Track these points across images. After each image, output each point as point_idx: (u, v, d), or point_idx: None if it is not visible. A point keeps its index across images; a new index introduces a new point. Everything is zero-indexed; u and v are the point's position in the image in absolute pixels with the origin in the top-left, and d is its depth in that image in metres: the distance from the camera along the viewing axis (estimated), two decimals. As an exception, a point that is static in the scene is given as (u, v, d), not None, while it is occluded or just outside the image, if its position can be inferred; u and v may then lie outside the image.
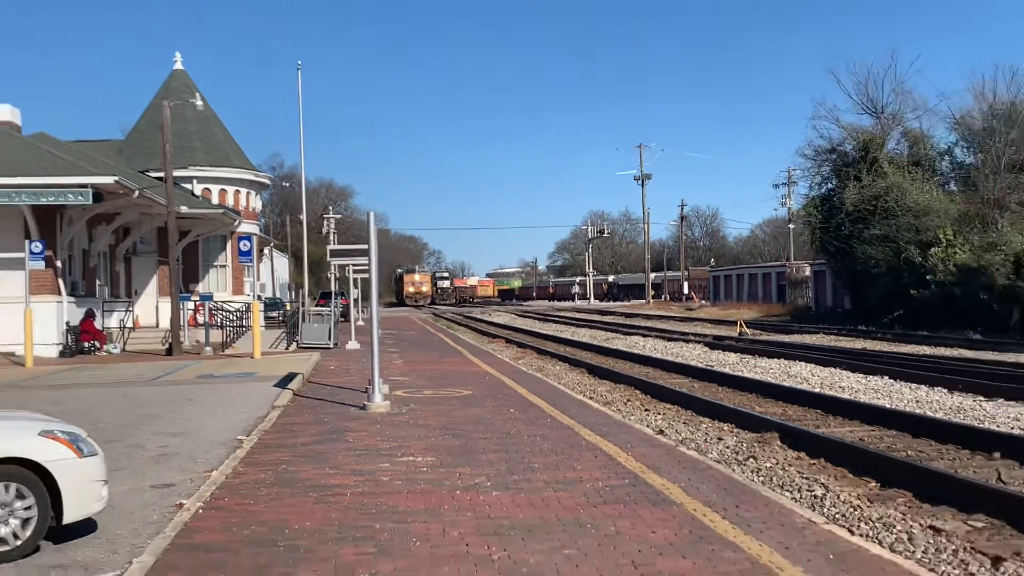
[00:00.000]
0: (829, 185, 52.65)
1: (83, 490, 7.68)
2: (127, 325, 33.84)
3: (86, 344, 29.79)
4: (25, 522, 7.30)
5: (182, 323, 31.94)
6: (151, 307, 39.21)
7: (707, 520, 7.94)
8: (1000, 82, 48.55)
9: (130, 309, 35.46)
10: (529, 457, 10.99)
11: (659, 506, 8.48)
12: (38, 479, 7.38)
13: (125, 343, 32.26)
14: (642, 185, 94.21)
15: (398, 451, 11.56)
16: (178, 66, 45.08)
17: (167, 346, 30.32)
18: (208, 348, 30.68)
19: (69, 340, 28.98)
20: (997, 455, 11.24)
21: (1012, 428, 13.42)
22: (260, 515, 8.30)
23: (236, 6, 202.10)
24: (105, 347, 30.37)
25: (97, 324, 30.95)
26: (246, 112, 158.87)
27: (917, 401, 17.07)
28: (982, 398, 17.06)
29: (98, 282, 33.86)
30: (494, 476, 9.90)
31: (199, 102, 34.23)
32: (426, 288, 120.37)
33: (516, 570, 6.60)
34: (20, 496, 7.31)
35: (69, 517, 7.58)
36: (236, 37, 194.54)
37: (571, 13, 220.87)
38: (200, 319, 35.57)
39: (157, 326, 37.55)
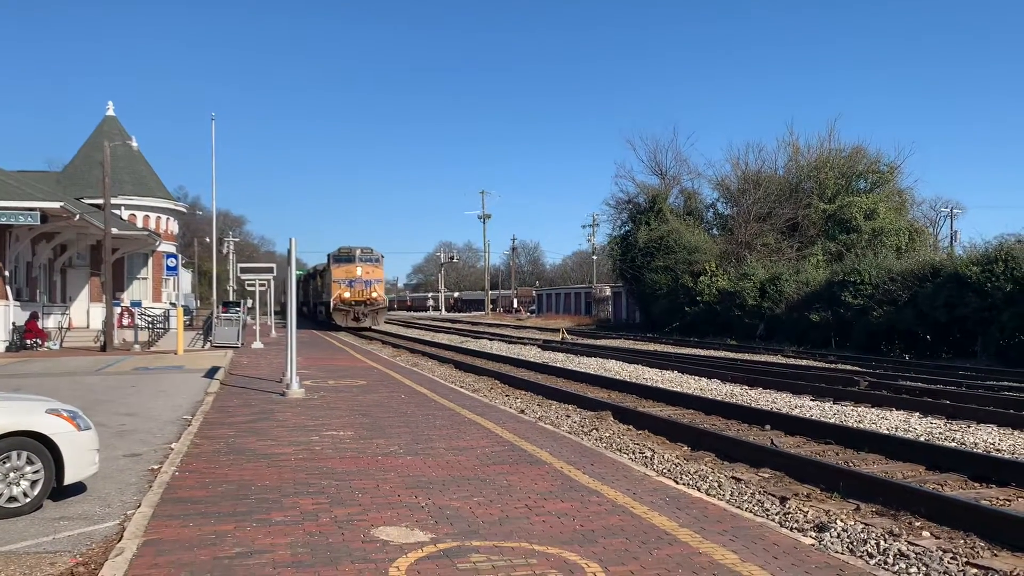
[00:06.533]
0: (627, 227, 53.39)
1: (80, 457, 7.43)
2: (64, 326, 31.79)
3: (28, 341, 27.79)
4: (34, 483, 7.07)
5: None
6: (83, 311, 36.86)
7: (573, 475, 8.31)
8: (751, 155, 51.53)
9: (66, 312, 33.33)
10: (427, 431, 11.12)
11: (535, 465, 8.81)
12: (45, 448, 7.14)
13: (62, 341, 30.27)
14: (483, 223, 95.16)
15: (322, 427, 11.47)
16: (110, 112, 42.77)
17: (101, 343, 28.62)
18: (137, 346, 29.15)
19: (15, 338, 26.97)
20: (768, 427, 12.09)
21: (772, 408, 14.35)
22: (227, 476, 8.17)
23: (155, 58, 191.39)
24: (46, 344, 28.40)
25: (39, 324, 28.93)
26: (158, 149, 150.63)
27: (701, 389, 17.84)
28: (746, 387, 18.12)
29: (39, 290, 31.65)
30: (404, 445, 10.00)
31: (134, 144, 32.57)
32: (378, 293, 48.95)
33: (441, 512, 6.80)
34: (30, 462, 7.06)
35: (69, 479, 7.34)
36: (152, 88, 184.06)
37: (441, 87, 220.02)
38: (126, 321, 33.76)
39: (88, 327, 35.30)
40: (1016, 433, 11.61)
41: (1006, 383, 17.98)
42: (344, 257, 48.88)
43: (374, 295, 48.02)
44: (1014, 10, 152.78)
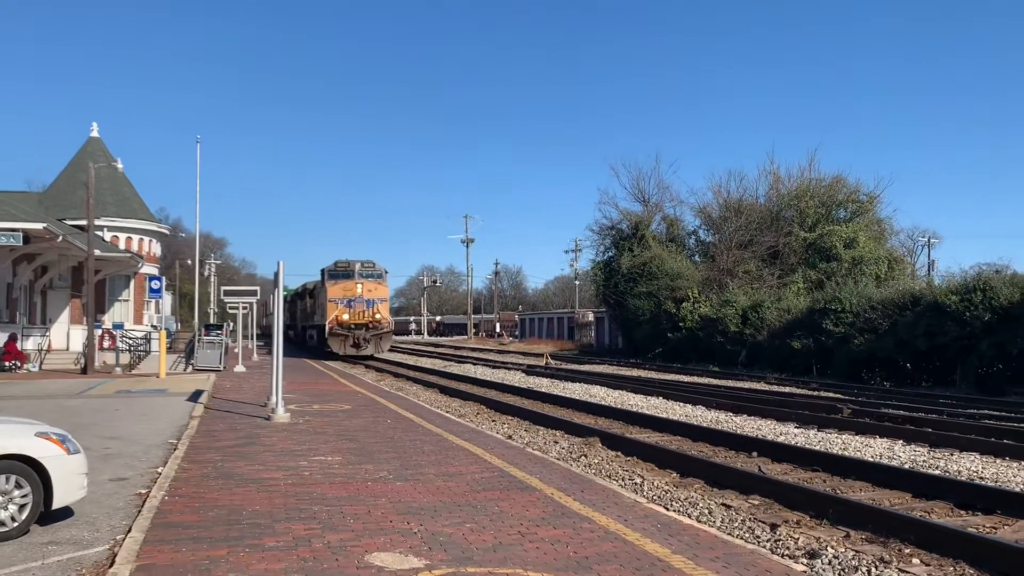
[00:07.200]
0: (610, 253, 53.60)
1: (69, 481, 7.36)
2: (43, 348, 31.41)
3: (7, 363, 27.42)
4: (21, 507, 6.99)
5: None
6: (63, 333, 36.41)
7: (563, 501, 8.32)
8: (732, 184, 51.97)
9: (46, 334, 32.95)
10: (416, 456, 11.09)
11: (525, 492, 8.80)
12: (33, 472, 7.06)
13: (42, 363, 29.89)
14: (467, 247, 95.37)
15: (309, 452, 11.40)
16: (94, 134, 42.56)
17: (82, 366, 28.29)
18: (118, 368, 28.81)
19: (-7, 359, 26.67)
20: (755, 454, 12.15)
21: (758, 435, 14.38)
22: (217, 501, 8.11)
23: (138, 78, 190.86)
24: (25, 366, 28.02)
25: (18, 346, 28.57)
26: (137, 169, 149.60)
27: (687, 415, 17.85)
28: (731, 413, 18.19)
29: (19, 311, 31.29)
30: (393, 471, 9.97)
31: (119, 165, 32.44)
32: (383, 315, 41.20)
33: (435, 539, 6.78)
34: (18, 486, 6.98)
35: (58, 503, 7.25)
36: (131, 108, 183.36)
37: (426, 112, 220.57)
38: (107, 344, 33.47)
39: (68, 349, 34.88)
40: (998, 461, 11.75)
41: (986, 411, 18.19)
42: (341, 272, 41.44)
43: (378, 316, 40.47)
44: (989, 41, 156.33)
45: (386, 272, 42.91)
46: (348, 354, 39.96)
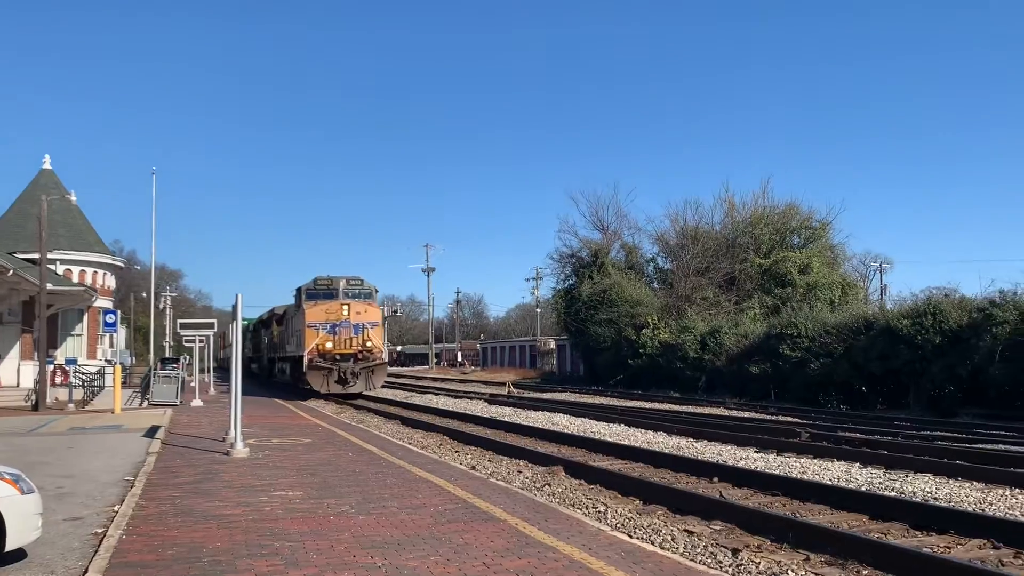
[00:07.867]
0: (571, 281, 54.00)
1: (23, 522, 7.18)
2: (-9, 385, 30.61)
3: (-46, 401, 26.67)
4: (-28, 551, 6.77)
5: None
6: (13, 369, 35.39)
7: (528, 531, 8.32)
8: (689, 212, 52.79)
9: (-6, 371, 32.12)
10: (378, 489, 10.99)
11: (489, 522, 8.78)
12: (-15, 513, 6.88)
13: (-10, 400, 29.11)
14: (428, 276, 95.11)
15: (270, 487, 11.24)
16: (46, 166, 41.93)
17: (33, 402, 27.59)
18: (71, 404, 28.12)
19: (-61, 397, 25.85)
20: (716, 479, 12.24)
21: (719, 460, 14.51)
22: (177, 539, 7.96)
23: (91, 108, 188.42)
24: (-27, 404, 27.29)
25: (-35, 383, 27.80)
26: (90, 201, 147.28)
27: (648, 442, 17.90)
28: (692, 439, 18.33)
29: (-34, 347, 30.47)
30: (356, 504, 9.87)
31: (72, 198, 31.91)
32: (375, 342, 33.50)
33: (399, 572, 6.73)
34: (-31, 529, 6.77)
35: (11, 545, 7.07)
36: (86, 139, 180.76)
37: (385, 141, 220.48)
38: (59, 379, 32.64)
39: (18, 386, 33.92)
40: (951, 482, 12.01)
41: (939, 433, 18.59)
42: (323, 291, 34.12)
43: (369, 345, 33.26)
44: (921, 80, 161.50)
45: (376, 291, 36.15)
46: (333, 392, 33.20)
